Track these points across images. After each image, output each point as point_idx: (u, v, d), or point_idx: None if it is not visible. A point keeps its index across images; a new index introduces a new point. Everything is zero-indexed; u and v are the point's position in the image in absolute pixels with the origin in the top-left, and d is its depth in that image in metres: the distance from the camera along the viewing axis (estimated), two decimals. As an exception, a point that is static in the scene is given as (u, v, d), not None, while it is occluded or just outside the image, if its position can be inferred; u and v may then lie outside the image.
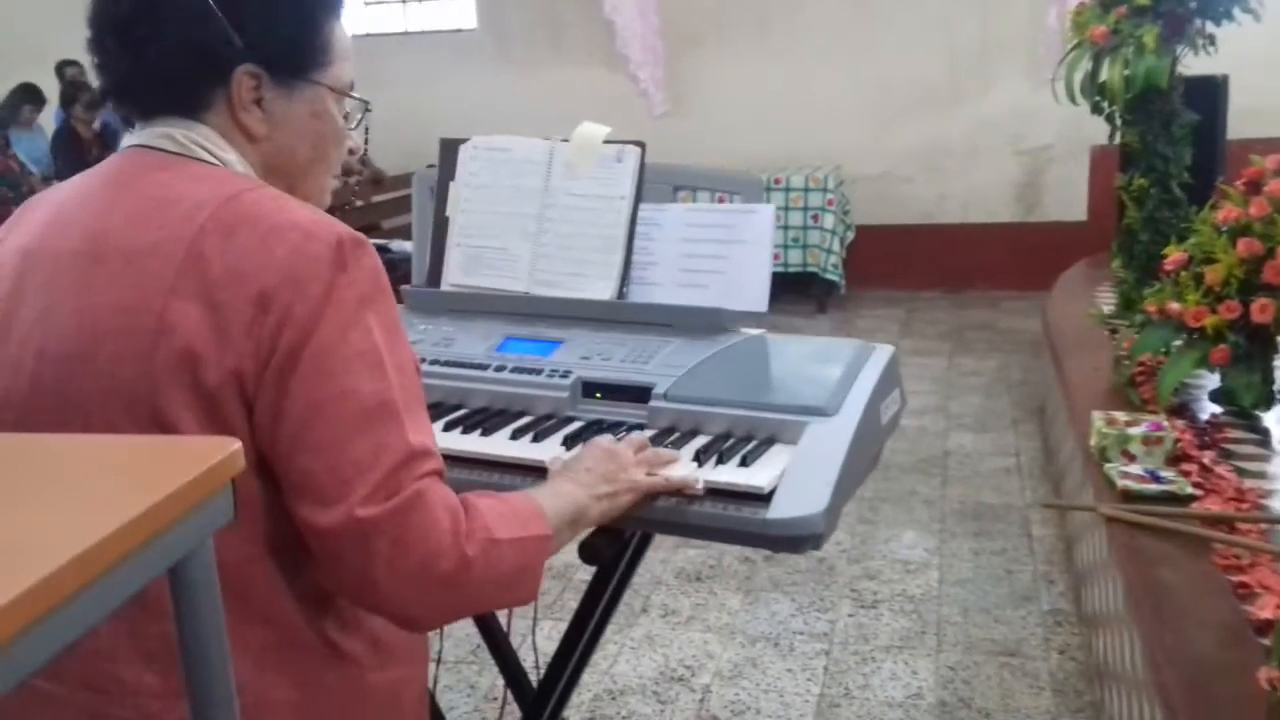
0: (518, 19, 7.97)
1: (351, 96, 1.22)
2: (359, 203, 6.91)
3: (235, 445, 0.70)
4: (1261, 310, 2.91)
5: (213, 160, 1.11)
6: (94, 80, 1.15)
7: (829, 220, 6.87)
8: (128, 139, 1.14)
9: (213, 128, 1.12)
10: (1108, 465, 2.71)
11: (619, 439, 1.34)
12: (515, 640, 1.98)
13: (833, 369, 1.47)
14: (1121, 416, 2.93)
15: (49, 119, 7.52)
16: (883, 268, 7.38)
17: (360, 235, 1.07)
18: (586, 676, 2.83)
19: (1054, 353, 4.19)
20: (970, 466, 4.23)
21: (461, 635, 2.98)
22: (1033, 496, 3.87)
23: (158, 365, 0.99)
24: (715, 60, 7.53)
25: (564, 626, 1.72)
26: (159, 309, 1.00)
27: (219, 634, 0.69)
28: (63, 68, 7.34)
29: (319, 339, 1.01)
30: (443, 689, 2.82)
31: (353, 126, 1.23)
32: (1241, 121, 4.92)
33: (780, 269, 6.90)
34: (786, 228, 6.89)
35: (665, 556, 3.51)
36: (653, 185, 1.70)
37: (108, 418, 1.00)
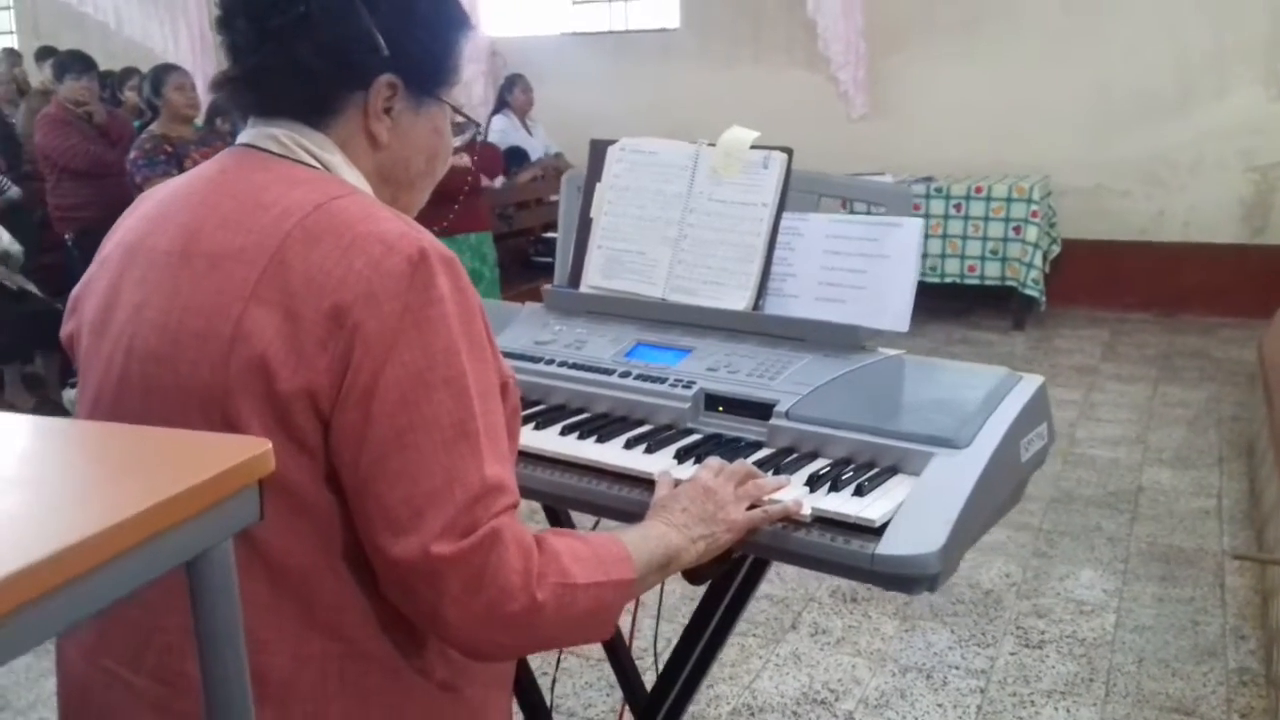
0: (721, 18, 7.94)
1: (466, 117, 1.21)
2: (553, 198, 7.03)
3: (265, 446, 0.69)
4: None
5: (313, 163, 1.11)
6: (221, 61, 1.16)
7: (1032, 233, 6.53)
8: (239, 137, 1.16)
9: (331, 131, 1.12)
10: (1311, 517, 2.47)
11: (718, 472, 1.27)
12: (643, 641, 1.95)
13: (970, 397, 1.37)
14: (1333, 464, 2.66)
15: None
16: (1089, 285, 6.98)
17: (447, 250, 1.04)
18: (726, 689, 2.79)
19: (1267, 387, 3.85)
20: (1164, 505, 3.93)
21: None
22: (1232, 543, 3.56)
23: (232, 371, 0.99)
24: (920, 62, 7.28)
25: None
26: (238, 315, 1.00)
27: (234, 632, 0.68)
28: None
29: (400, 360, 0.98)
30: (581, 685, 2.82)
31: (457, 145, 1.22)
32: None
33: (976, 282, 6.63)
34: (985, 239, 6.59)
35: (821, 574, 3.40)
36: (798, 193, 1.64)
37: (185, 419, 1.01)
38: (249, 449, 0.68)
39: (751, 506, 1.25)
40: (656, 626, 1.92)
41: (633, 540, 1.15)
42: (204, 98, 5.84)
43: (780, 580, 3.36)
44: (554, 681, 2.01)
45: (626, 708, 1.93)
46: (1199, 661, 2.87)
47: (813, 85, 7.50)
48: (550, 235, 6.69)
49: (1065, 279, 6.91)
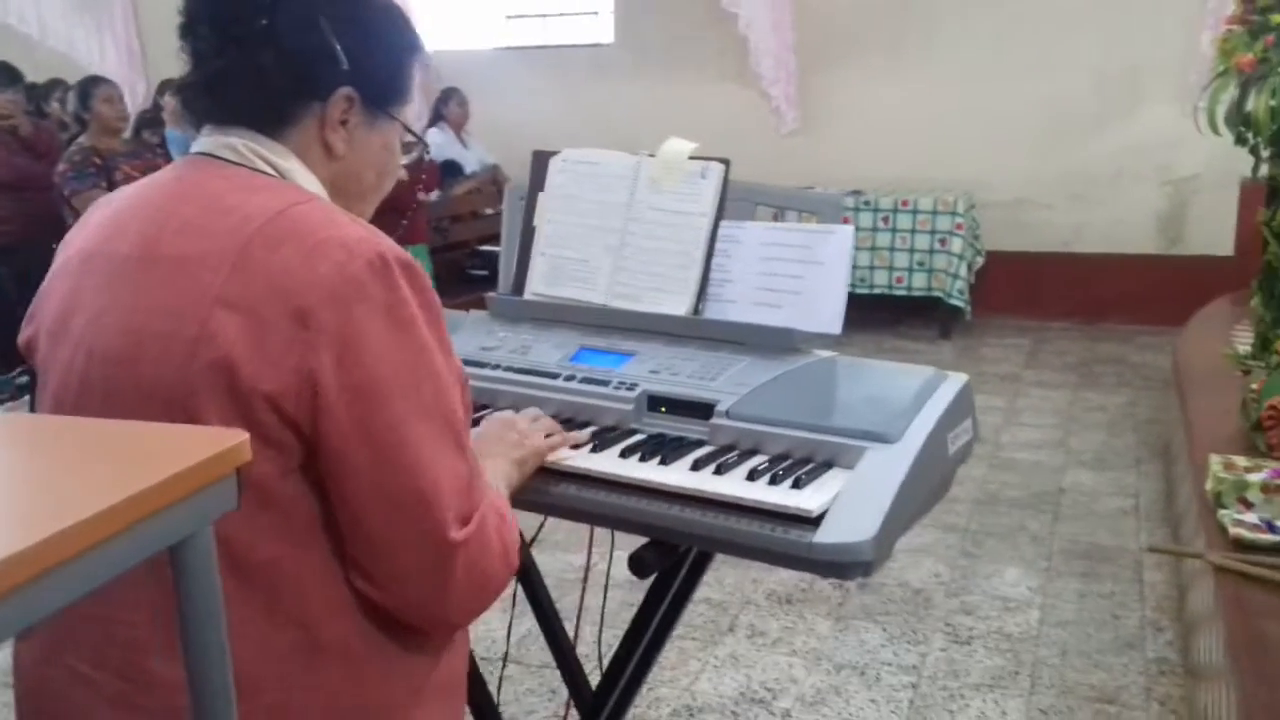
0: (654, 35, 8.04)
1: (415, 135, 1.29)
2: (488, 211, 7.06)
3: (243, 437, 0.73)
4: (1402, 357, 2.74)
5: (270, 171, 1.15)
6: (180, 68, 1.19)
7: (957, 245, 6.72)
8: (193, 145, 1.19)
9: (287, 141, 1.16)
10: (1222, 511, 2.59)
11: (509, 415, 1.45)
12: (585, 646, 2.00)
13: (900, 395, 1.44)
14: (1241, 461, 2.80)
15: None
16: (1013, 296, 7.18)
17: (406, 254, 1.09)
18: (666, 690, 2.84)
19: (1180, 391, 4.01)
20: (1085, 505, 4.07)
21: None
22: (1149, 540, 3.71)
23: (195, 371, 1.02)
24: (849, 78, 7.44)
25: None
26: (203, 317, 1.03)
27: (217, 615, 0.72)
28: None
29: (375, 361, 1.03)
30: (524, 692, 2.86)
31: (402, 162, 1.29)
32: (1404, 156, 4.62)
33: (904, 292, 6.79)
34: (912, 251, 6.77)
35: (757, 577, 3.48)
36: (735, 202, 1.70)
37: (148, 419, 1.03)
38: (227, 439, 0.72)
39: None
40: (600, 629, 1.97)
41: (499, 484, 1.28)
42: (133, 109, 5.77)
43: (718, 584, 3.43)
44: (500, 685, 2.04)
45: (572, 707, 1.97)
46: (1119, 653, 2.99)
47: (744, 100, 7.62)
48: (486, 248, 6.70)
49: (989, 289, 7.10)
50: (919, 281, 6.79)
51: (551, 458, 1.42)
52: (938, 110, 7.17)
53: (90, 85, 4.90)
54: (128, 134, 5.59)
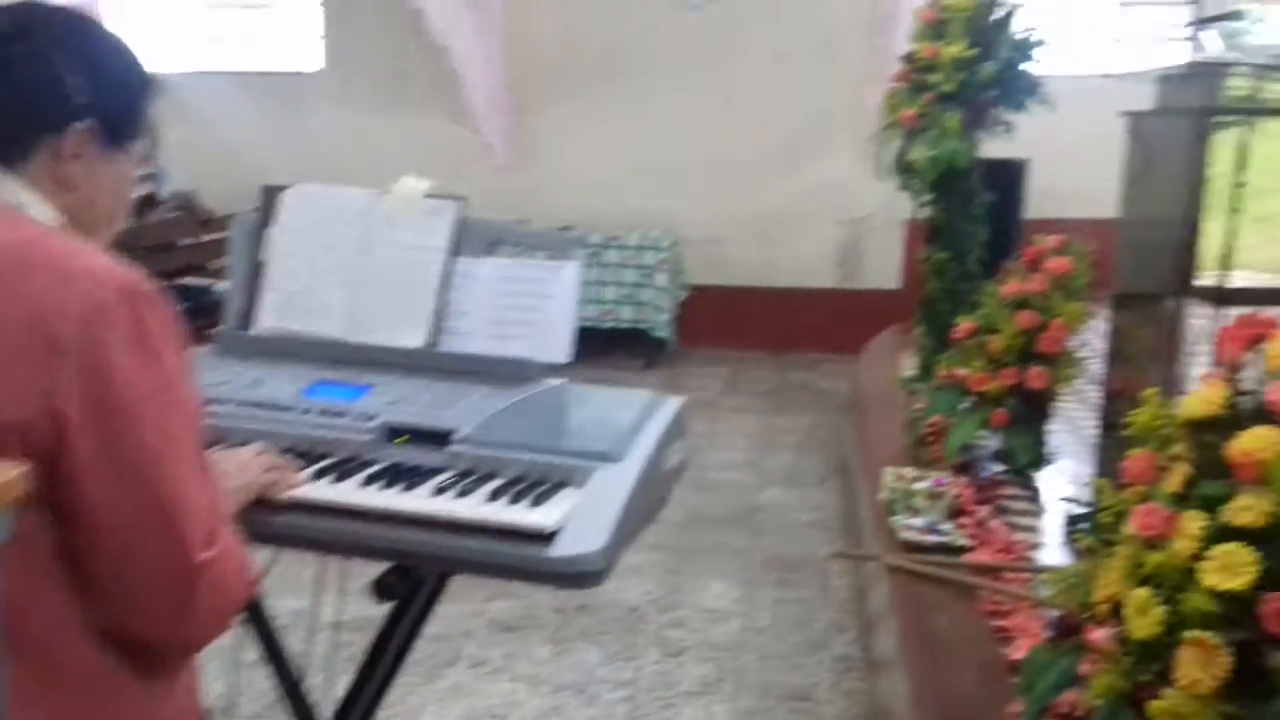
0: (364, 65, 7.96)
1: (150, 172, 1.31)
2: (186, 240, 6.74)
3: (16, 472, 0.75)
4: (1036, 377, 3.19)
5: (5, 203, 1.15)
6: None
7: (661, 279, 7.09)
8: None
9: (22, 173, 1.17)
10: (894, 518, 2.92)
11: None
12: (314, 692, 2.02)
13: (623, 418, 1.58)
14: (910, 472, 3.16)
15: None
16: (713, 327, 7.63)
17: (151, 285, 1.13)
18: (390, 723, 2.85)
19: (858, 413, 4.45)
20: (779, 519, 4.42)
21: (262, 689, 2.94)
22: (833, 549, 4.08)
23: None
24: (559, 119, 7.69)
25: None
26: None
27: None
28: None
29: (126, 386, 1.06)
30: (243, 734, 2.78)
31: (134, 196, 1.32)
32: (1045, 201, 5.35)
33: (612, 324, 7.07)
34: (620, 284, 7.08)
35: (477, 608, 3.54)
36: (471, 239, 1.79)
37: None
38: (4, 473, 0.74)
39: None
40: (335, 662, 1.99)
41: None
42: None
43: (440, 617, 3.44)
44: None
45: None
46: (810, 653, 3.29)
47: (456, 135, 7.67)
48: (188, 282, 6.37)
49: (692, 321, 7.52)
50: (626, 314, 7.10)
51: (292, 493, 1.46)
52: (644, 150, 7.54)
53: None
54: None
